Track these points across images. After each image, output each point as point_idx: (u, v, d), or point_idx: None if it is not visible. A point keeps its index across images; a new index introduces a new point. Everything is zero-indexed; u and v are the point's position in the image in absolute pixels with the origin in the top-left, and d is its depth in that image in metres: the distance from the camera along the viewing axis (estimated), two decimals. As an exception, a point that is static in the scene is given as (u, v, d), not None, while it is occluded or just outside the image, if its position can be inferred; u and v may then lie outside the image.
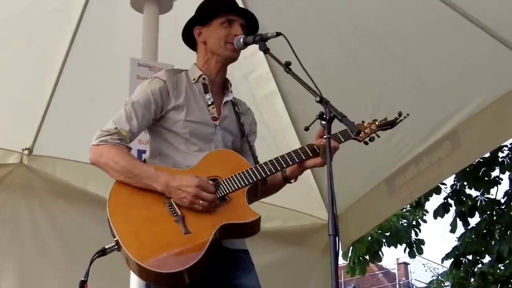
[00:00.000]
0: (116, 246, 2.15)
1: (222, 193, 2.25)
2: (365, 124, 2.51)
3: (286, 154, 2.37)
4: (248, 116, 2.64)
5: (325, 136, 2.02)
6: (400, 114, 2.50)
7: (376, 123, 2.51)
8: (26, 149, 4.27)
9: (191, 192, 2.17)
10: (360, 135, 2.45)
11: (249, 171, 2.30)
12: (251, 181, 2.28)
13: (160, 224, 2.17)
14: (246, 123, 2.58)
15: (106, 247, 2.17)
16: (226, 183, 2.27)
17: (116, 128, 2.29)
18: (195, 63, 2.54)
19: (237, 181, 2.27)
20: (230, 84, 2.57)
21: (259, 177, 2.30)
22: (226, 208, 2.24)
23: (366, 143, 2.48)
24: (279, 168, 2.33)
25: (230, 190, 2.26)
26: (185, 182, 2.19)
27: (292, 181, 2.49)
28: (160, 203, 2.21)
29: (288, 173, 2.46)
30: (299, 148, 2.39)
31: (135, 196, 2.23)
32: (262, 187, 2.43)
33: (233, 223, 2.21)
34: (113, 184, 2.26)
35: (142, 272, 2.10)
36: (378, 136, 2.51)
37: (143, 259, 2.07)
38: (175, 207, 2.20)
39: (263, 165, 2.33)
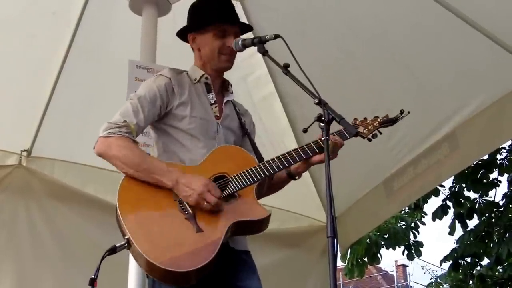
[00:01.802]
0: (126, 244, 2.14)
1: (232, 190, 2.25)
2: (368, 121, 2.53)
3: (293, 150, 2.37)
4: (247, 117, 2.67)
5: (323, 138, 2.02)
6: (402, 112, 2.52)
7: (379, 120, 2.53)
8: (24, 150, 4.27)
9: (197, 190, 2.17)
10: (364, 131, 2.48)
11: (257, 167, 2.30)
12: (259, 178, 2.29)
13: (171, 222, 2.17)
14: (246, 123, 2.60)
15: (117, 245, 2.15)
16: (235, 180, 2.27)
17: (125, 121, 2.28)
18: (194, 64, 2.55)
19: (245, 178, 2.27)
20: (231, 85, 2.58)
21: (267, 174, 2.30)
22: (236, 205, 2.24)
23: (369, 139, 2.50)
24: (286, 165, 2.34)
25: (239, 187, 2.26)
26: (193, 180, 2.19)
27: (296, 178, 2.51)
28: (170, 201, 2.21)
29: (292, 169, 2.47)
30: (306, 145, 2.39)
31: (145, 194, 2.22)
32: (268, 183, 2.45)
33: (244, 220, 2.22)
34: (120, 182, 2.24)
35: (153, 271, 2.10)
36: (381, 133, 2.53)
37: (156, 258, 2.07)
38: (186, 204, 2.20)
39: (270, 161, 2.33)
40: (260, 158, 2.47)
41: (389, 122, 2.54)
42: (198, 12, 2.52)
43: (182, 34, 2.56)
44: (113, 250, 2.16)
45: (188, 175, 2.22)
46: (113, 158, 2.25)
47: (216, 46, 2.44)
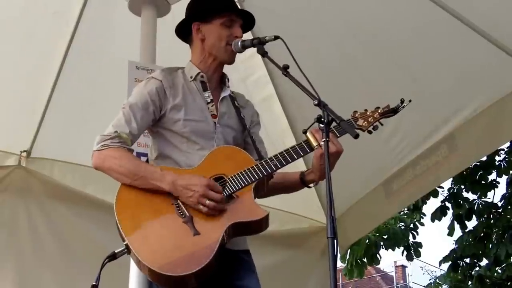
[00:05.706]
0: (126, 250, 2.14)
1: (229, 192, 2.23)
2: (368, 113, 2.46)
3: (290, 147, 2.33)
4: (248, 109, 2.61)
5: (323, 140, 2.01)
6: (402, 101, 2.45)
7: (379, 111, 2.47)
8: (24, 151, 4.27)
9: (199, 191, 2.16)
10: (364, 124, 2.42)
11: (255, 167, 2.27)
12: (257, 178, 2.26)
13: (168, 226, 2.16)
14: (247, 116, 2.56)
15: (116, 251, 2.16)
16: (232, 181, 2.25)
17: (116, 131, 2.28)
18: (190, 60, 2.51)
19: (243, 178, 2.25)
20: (228, 79, 2.54)
21: (265, 173, 2.27)
22: (234, 206, 2.21)
23: (370, 132, 2.44)
24: (284, 163, 2.29)
25: (237, 188, 2.24)
26: (193, 181, 2.18)
27: (311, 185, 2.44)
28: (167, 205, 2.20)
29: (306, 176, 2.42)
30: (303, 141, 2.33)
31: (142, 199, 2.22)
32: (276, 183, 2.42)
33: (242, 221, 2.19)
34: (118, 187, 2.25)
35: (153, 275, 2.10)
36: (381, 124, 2.47)
37: (154, 263, 2.07)
38: (183, 208, 2.19)
39: (268, 160, 2.30)
40: (259, 154, 2.45)
41: (390, 112, 2.47)
42: (204, 1, 2.48)
43: (183, 28, 2.51)
44: (113, 257, 2.17)
45: (186, 176, 2.21)
46: (109, 170, 2.26)
47: (223, 35, 2.40)
